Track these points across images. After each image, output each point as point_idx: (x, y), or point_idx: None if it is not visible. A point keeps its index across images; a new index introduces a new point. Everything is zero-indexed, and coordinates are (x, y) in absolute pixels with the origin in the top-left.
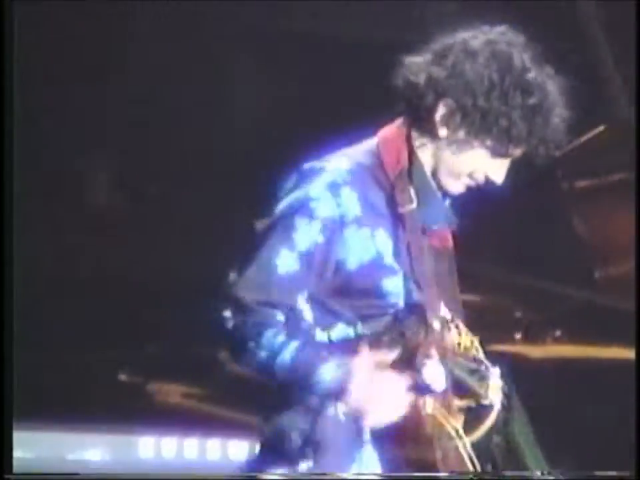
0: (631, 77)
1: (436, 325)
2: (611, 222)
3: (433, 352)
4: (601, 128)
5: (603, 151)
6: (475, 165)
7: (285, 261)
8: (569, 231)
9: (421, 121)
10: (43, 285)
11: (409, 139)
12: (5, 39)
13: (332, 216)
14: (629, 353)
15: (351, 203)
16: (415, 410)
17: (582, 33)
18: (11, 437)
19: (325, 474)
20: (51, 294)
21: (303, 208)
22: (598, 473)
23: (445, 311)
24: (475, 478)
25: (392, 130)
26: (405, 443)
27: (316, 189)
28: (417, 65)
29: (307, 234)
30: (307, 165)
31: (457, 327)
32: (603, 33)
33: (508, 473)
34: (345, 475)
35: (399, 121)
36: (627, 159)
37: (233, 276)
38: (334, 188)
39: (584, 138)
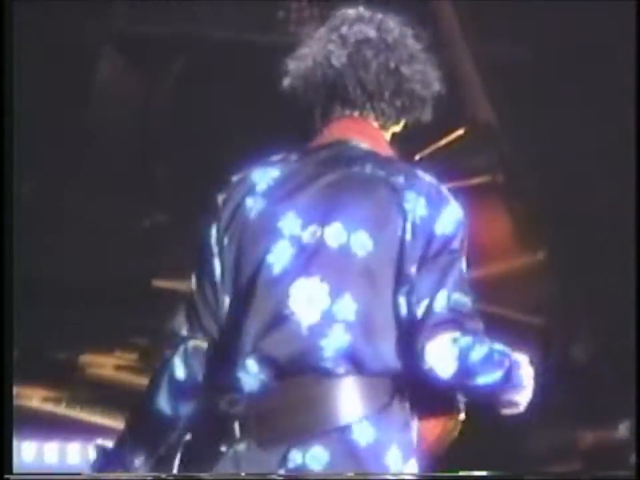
0: (502, 79)
1: None
2: (472, 225)
3: None
4: (461, 131)
5: (463, 154)
6: None
7: None
8: None
9: (371, 110)
10: None
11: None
12: (5, 39)
13: None
14: None
15: None
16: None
17: (440, 33)
18: (10, 437)
19: (323, 474)
20: None
21: (464, 227)
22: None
23: None
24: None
25: (364, 126)
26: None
27: (460, 206)
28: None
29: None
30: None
31: None
32: (462, 33)
33: (506, 473)
34: (343, 475)
35: (357, 118)
36: (487, 162)
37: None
38: None
39: (444, 141)
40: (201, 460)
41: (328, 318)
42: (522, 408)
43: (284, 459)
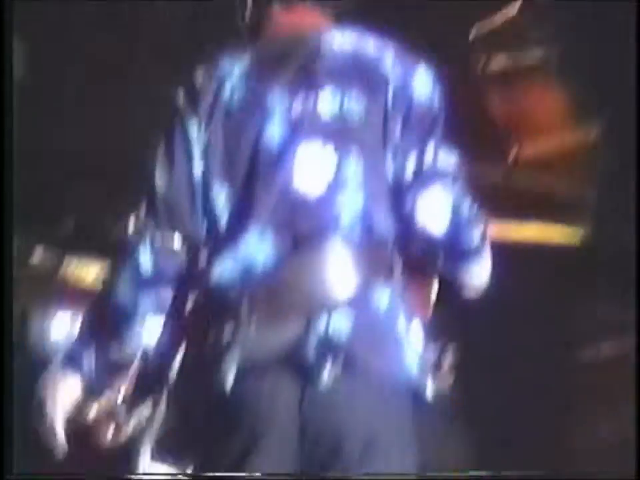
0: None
1: None
2: (526, 102)
3: None
4: (518, 3)
5: (520, 29)
6: None
7: None
8: (483, 114)
9: None
10: None
11: None
12: (5, 39)
13: None
14: (544, 232)
15: None
16: None
17: None
18: (11, 437)
19: (322, 474)
20: None
21: (439, 85)
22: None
23: None
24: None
25: (311, 16)
26: None
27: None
28: None
29: None
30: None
31: None
32: None
33: (507, 473)
34: (347, 475)
35: (301, 9)
36: (544, 36)
37: None
38: None
39: (499, 17)
40: (203, 356)
41: (338, 181)
42: (482, 286)
43: (306, 330)
